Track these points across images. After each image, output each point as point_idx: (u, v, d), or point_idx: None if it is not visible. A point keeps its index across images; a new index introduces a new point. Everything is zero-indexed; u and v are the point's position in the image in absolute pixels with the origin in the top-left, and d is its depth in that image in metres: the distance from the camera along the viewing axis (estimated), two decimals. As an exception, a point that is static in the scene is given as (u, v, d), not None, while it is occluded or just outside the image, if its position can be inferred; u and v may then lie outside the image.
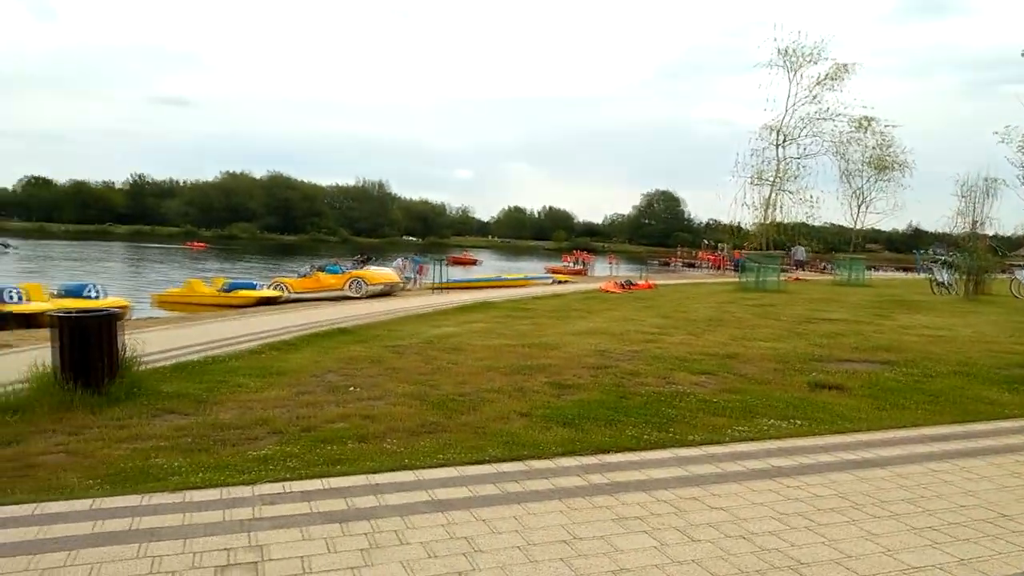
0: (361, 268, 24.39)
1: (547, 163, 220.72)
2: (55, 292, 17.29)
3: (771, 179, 27.94)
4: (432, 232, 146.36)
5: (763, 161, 27.95)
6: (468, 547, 3.25)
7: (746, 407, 6.02)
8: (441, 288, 24.81)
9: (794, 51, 27.90)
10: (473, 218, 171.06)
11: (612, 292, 21.35)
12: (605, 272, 43.11)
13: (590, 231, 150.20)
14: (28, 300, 15.18)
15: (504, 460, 4.49)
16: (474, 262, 58.66)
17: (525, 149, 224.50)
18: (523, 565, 3.10)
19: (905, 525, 3.68)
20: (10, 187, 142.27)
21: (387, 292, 23.31)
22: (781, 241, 30.45)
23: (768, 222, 28.21)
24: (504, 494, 3.94)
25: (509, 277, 32.09)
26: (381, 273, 24.36)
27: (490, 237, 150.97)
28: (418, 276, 29.63)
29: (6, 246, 54.09)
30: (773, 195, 27.97)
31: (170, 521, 3.46)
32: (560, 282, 31.00)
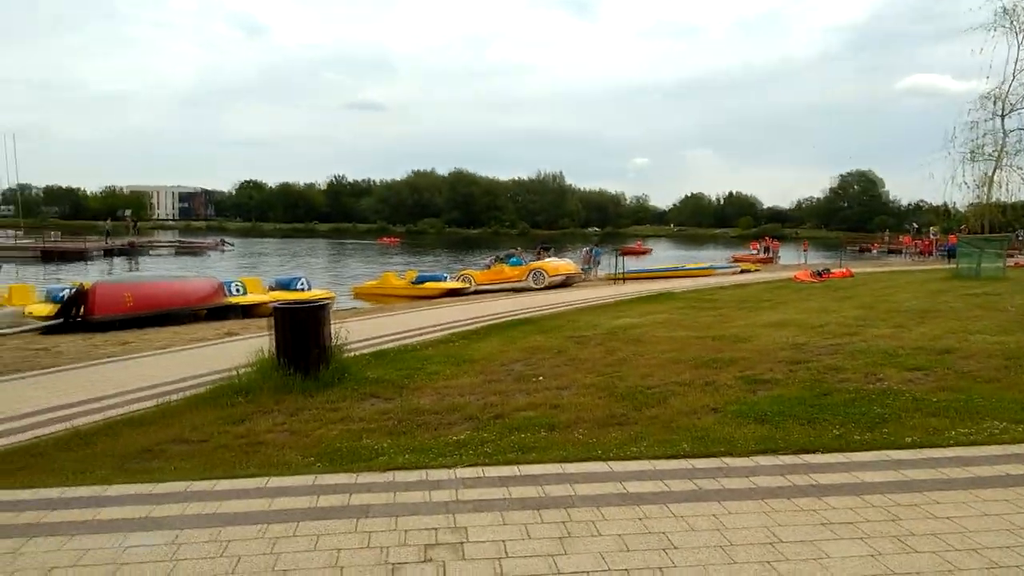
0: (541, 260, 24.80)
1: (728, 147, 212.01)
2: (270, 285, 19.13)
3: (992, 155, 24.88)
4: (609, 222, 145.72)
5: (982, 135, 24.95)
6: (664, 542, 3.19)
7: (970, 407, 5.41)
8: (619, 279, 24.64)
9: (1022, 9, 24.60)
10: (651, 207, 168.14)
11: (805, 281, 20.12)
12: (795, 260, 40.76)
13: (777, 217, 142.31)
14: (247, 292, 16.89)
15: (697, 456, 4.36)
16: (647, 252, 57.60)
17: (704, 134, 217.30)
18: (723, 566, 2.99)
19: None
20: (228, 190, 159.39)
21: (566, 283, 23.53)
22: (1006, 223, 27.07)
23: (988, 202, 25.18)
24: (699, 491, 3.82)
25: (691, 266, 31.22)
26: (560, 264, 24.62)
27: (671, 226, 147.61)
28: (595, 267, 29.62)
29: (227, 244, 60.59)
30: (995, 172, 24.92)
31: (380, 499, 3.70)
32: (746, 271, 29.71)
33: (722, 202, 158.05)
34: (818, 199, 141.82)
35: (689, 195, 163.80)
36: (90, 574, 2.93)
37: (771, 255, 43.23)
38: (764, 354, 7.71)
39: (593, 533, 3.29)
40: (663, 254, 60.44)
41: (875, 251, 55.38)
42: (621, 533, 3.29)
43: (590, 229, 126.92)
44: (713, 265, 31.66)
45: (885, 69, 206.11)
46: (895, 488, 3.88)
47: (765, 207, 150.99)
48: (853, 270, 24.78)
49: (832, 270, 23.92)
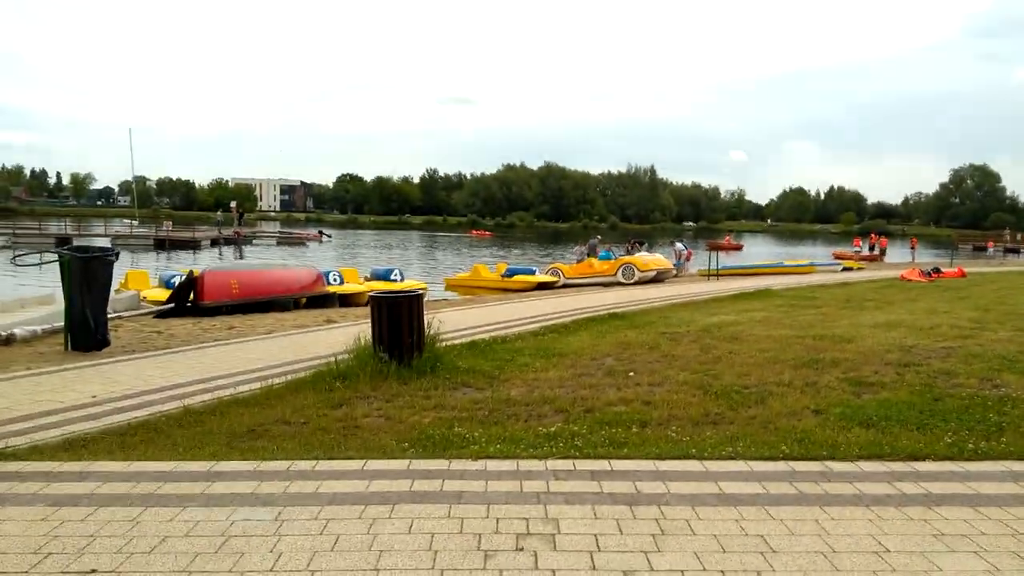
0: (632, 254, 24.48)
1: (832, 140, 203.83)
2: (366, 276, 19.67)
3: None
4: (703, 217, 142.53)
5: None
6: (763, 545, 3.09)
7: (1104, 420, 5.00)
8: (714, 275, 24.04)
9: None
10: (748, 201, 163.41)
11: (914, 280, 19.09)
12: (903, 258, 38.73)
13: (884, 213, 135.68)
14: (345, 282, 17.42)
15: (798, 459, 4.20)
16: (737, 248, 55.88)
17: (806, 126, 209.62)
18: (826, 573, 2.87)
19: None
20: (328, 184, 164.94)
21: (658, 278, 23.14)
22: None
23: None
24: (800, 494, 3.68)
25: (790, 263, 30.12)
26: (652, 259, 24.24)
27: (768, 221, 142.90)
28: (686, 263, 29.00)
29: (325, 235, 62.72)
30: None
31: (473, 487, 3.74)
32: (849, 269, 28.47)
33: (825, 197, 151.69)
34: (928, 194, 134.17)
35: (788, 189, 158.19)
36: (200, 544, 3.08)
37: (878, 253, 41.21)
38: (870, 356, 7.35)
39: (688, 532, 3.22)
40: (757, 250, 58.62)
41: (991, 250, 52.06)
42: (717, 534, 3.20)
43: (685, 223, 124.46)
44: (814, 262, 30.45)
45: (1007, 57, 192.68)
46: (1015, 501, 3.63)
47: (872, 202, 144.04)
48: (966, 270, 23.32)
49: (943, 269, 22.61)
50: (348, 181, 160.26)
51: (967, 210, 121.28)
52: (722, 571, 2.87)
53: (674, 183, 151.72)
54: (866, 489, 3.76)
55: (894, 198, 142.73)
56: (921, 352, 7.55)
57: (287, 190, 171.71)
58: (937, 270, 22.05)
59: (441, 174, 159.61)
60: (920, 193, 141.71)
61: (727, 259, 32.95)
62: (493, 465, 4.09)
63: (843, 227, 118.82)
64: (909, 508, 3.52)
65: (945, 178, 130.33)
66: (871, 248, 42.72)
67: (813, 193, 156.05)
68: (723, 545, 3.09)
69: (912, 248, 46.34)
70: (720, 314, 11.53)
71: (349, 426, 5.02)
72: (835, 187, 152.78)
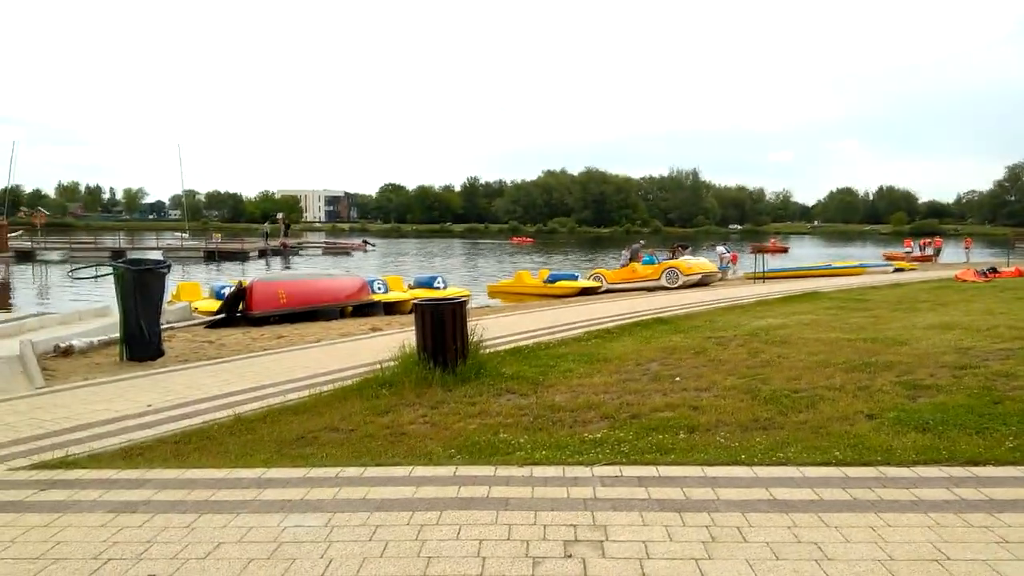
0: (676, 258, 24.24)
1: (881, 139, 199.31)
2: (410, 284, 19.86)
3: None
4: (748, 219, 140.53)
5: None
6: (818, 553, 3.02)
7: None
8: (760, 278, 23.66)
9: None
10: (794, 202, 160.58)
11: (969, 281, 18.52)
12: (957, 258, 37.60)
13: (936, 212, 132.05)
14: (389, 290, 17.61)
15: (851, 464, 4.10)
16: (782, 250, 54.81)
17: (855, 125, 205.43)
18: (884, 582, 2.79)
19: None
20: (371, 194, 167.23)
21: (703, 282, 22.87)
22: None
23: None
24: (854, 500, 3.59)
25: (839, 265, 29.49)
26: (696, 263, 23.97)
27: (814, 223, 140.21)
28: (731, 265, 28.59)
29: (370, 245, 63.52)
30: None
31: (519, 493, 3.74)
32: (901, 270, 27.75)
33: (875, 197, 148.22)
34: (982, 192, 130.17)
35: (836, 190, 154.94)
36: (253, 551, 3.14)
37: (931, 253, 40.05)
38: (924, 358, 7.14)
39: (739, 539, 3.16)
40: (804, 252, 57.51)
41: (1051, 249, 50.14)
42: (769, 541, 3.14)
43: (731, 226, 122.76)
44: (864, 264, 29.76)
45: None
46: (1085, 508, 3.48)
47: (923, 201, 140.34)
48: (1025, 269, 22.53)
49: (1000, 269, 21.88)
50: (391, 190, 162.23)
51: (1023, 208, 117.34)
52: (775, 579, 2.81)
53: (718, 185, 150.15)
54: (924, 495, 3.65)
55: (947, 197, 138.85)
56: (978, 354, 7.31)
57: (332, 200, 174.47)
58: (993, 270, 21.34)
59: (482, 181, 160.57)
60: (974, 191, 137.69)
61: (773, 261, 32.37)
62: (539, 471, 4.08)
63: (893, 227, 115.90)
64: (970, 514, 3.41)
65: (1000, 175, 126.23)
66: (922, 249, 41.49)
67: (862, 193, 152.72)
68: (776, 552, 3.03)
69: (966, 248, 44.96)
70: (767, 317, 11.34)
71: (395, 433, 5.07)
72: (885, 186, 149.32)
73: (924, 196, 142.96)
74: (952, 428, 4.73)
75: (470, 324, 7.16)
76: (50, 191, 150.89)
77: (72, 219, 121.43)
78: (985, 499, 3.60)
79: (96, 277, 12.61)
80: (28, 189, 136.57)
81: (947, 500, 3.59)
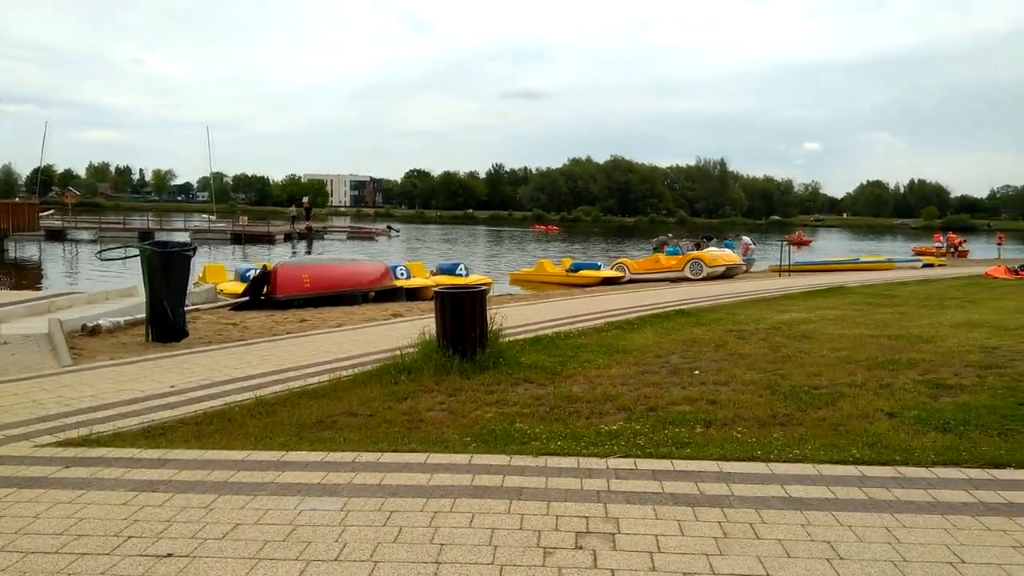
0: (700, 249, 24.07)
1: (914, 131, 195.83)
2: (432, 270, 19.92)
3: None
4: (776, 211, 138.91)
5: None
6: (830, 552, 3.00)
7: None
8: (786, 271, 23.42)
9: None
10: (823, 194, 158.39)
11: (1000, 278, 18.19)
12: (988, 254, 36.90)
13: (968, 206, 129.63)
14: (412, 276, 17.68)
15: (869, 463, 4.06)
16: (806, 243, 54.12)
17: (886, 116, 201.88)
18: (897, 583, 2.77)
19: None
20: (396, 179, 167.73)
21: (727, 274, 22.70)
22: None
23: None
24: (870, 500, 3.56)
25: (866, 259, 29.11)
26: (721, 254, 23.79)
27: (844, 215, 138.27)
28: (750, 256, 28.29)
29: (393, 230, 63.72)
30: None
31: (533, 483, 3.76)
32: (930, 265, 27.32)
33: (906, 190, 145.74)
34: (1017, 187, 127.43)
35: (866, 182, 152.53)
36: (270, 532, 3.19)
37: (954, 250, 39.25)
38: (949, 357, 7.05)
39: (751, 536, 3.15)
40: (831, 245, 56.75)
41: (1088, 246, 48.96)
42: (782, 538, 3.13)
43: (772, 218, 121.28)
44: (892, 258, 29.33)
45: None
46: (1106, 514, 3.42)
47: (955, 195, 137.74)
48: (1059, 267, 22.07)
49: (1033, 266, 21.43)
50: (416, 176, 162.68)
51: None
52: (786, 577, 2.81)
53: (745, 175, 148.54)
54: (941, 497, 3.61)
55: (980, 191, 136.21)
56: (1005, 353, 7.19)
57: (357, 185, 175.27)
58: (1026, 267, 20.91)
59: (507, 169, 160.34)
60: (1008, 186, 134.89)
61: (799, 254, 32.01)
62: (554, 462, 4.09)
63: (924, 222, 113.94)
64: (987, 518, 3.36)
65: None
66: (949, 247, 40.67)
67: (892, 186, 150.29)
68: (788, 550, 3.02)
69: (999, 244, 44.09)
70: (791, 311, 11.24)
71: (413, 419, 5.10)
72: (916, 180, 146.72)
73: (957, 191, 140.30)
74: (974, 429, 4.67)
75: (490, 312, 7.17)
76: (81, 172, 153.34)
77: (102, 199, 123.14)
78: (1004, 502, 3.55)
79: (124, 259, 12.78)
80: (60, 169, 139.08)
81: (965, 502, 3.55)
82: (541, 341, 8.21)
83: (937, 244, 40.50)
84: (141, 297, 9.86)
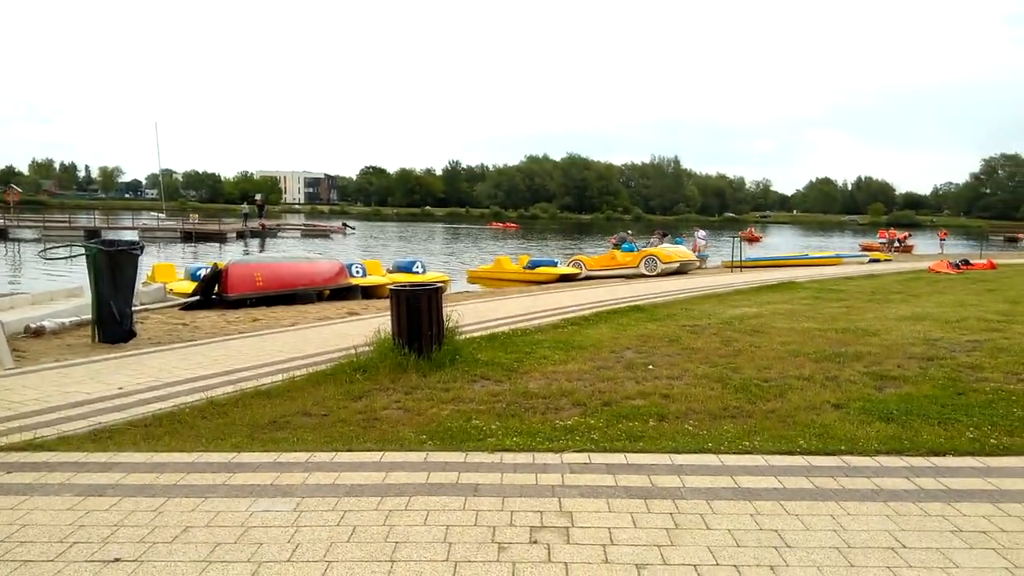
0: (656, 246, 24.36)
1: (862, 129, 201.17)
2: (389, 268, 19.77)
3: None
4: (729, 208, 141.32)
5: None
6: (778, 540, 3.08)
7: None
8: (738, 267, 23.84)
9: None
10: (774, 192, 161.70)
11: (942, 272, 18.81)
12: (933, 250, 38.11)
13: (913, 203, 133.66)
14: (367, 274, 17.53)
15: (816, 453, 4.18)
16: (757, 239, 55.22)
17: (835, 115, 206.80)
18: (840, 568, 2.86)
19: None
20: (352, 176, 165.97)
21: (681, 270, 23.01)
22: None
23: None
24: (817, 489, 3.67)
25: (816, 255, 29.82)
26: (675, 251, 24.10)
27: (794, 212, 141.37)
28: (699, 252, 28.71)
29: (349, 228, 63.04)
30: None
31: (489, 479, 3.78)
32: (876, 260, 28.09)
33: (854, 187, 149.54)
34: (959, 184, 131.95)
35: (815, 180, 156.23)
36: (221, 535, 3.14)
37: (899, 245, 40.42)
38: (893, 349, 7.27)
39: (702, 526, 3.22)
40: (783, 242, 57.98)
41: (1024, 241, 50.93)
42: (732, 528, 3.20)
43: (726, 215, 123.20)
44: (840, 254, 30.09)
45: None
46: (1039, 498, 3.58)
47: (901, 192, 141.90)
48: (996, 262, 22.92)
49: (972, 261, 22.22)
50: (372, 173, 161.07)
51: (999, 200, 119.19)
52: (735, 565, 2.87)
53: (699, 173, 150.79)
54: (884, 484, 3.73)
55: (924, 188, 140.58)
56: (946, 346, 7.45)
57: (312, 182, 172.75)
58: (966, 262, 21.66)
59: (464, 166, 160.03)
60: (951, 183, 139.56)
61: (751, 250, 32.63)
62: (509, 458, 4.12)
63: (871, 218, 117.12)
64: (927, 504, 3.49)
65: (976, 168, 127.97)
66: (890, 243, 41.78)
67: (840, 183, 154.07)
68: (737, 540, 3.09)
69: (941, 240, 45.58)
70: (743, 306, 11.45)
71: (369, 418, 5.07)
72: (863, 177, 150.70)
73: (902, 187, 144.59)
74: (916, 419, 4.83)
75: (447, 310, 7.16)
76: (23, 168, 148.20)
77: (46, 197, 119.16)
78: (943, 489, 3.69)
79: (69, 258, 12.39)
80: (0, 166, 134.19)
81: (906, 489, 3.67)
82: (498, 338, 8.23)
83: (882, 240, 41.69)
84: (87, 297, 9.58)
